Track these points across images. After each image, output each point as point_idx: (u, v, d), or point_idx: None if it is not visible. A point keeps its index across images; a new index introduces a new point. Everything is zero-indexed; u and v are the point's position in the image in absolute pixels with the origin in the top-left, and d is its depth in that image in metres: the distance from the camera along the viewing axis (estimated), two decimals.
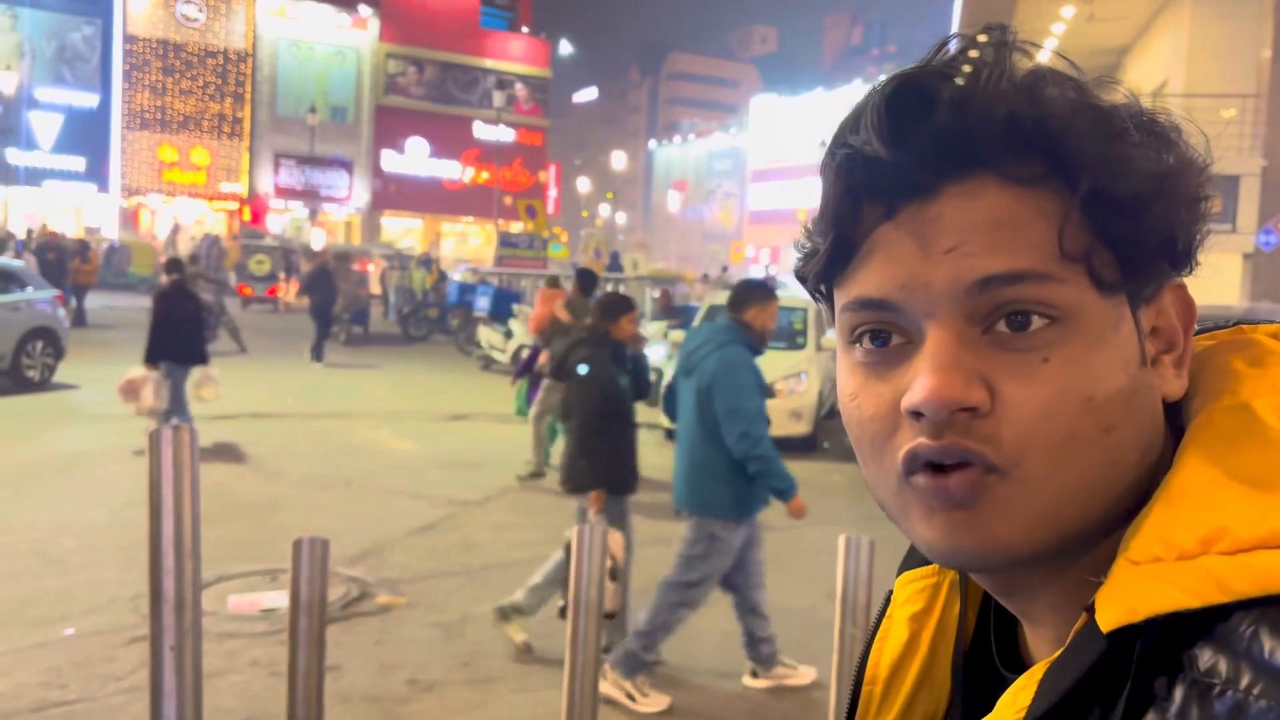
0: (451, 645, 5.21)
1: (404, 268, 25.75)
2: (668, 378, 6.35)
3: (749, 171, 75.18)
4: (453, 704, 4.57)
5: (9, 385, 12.15)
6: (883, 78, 0.58)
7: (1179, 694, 0.48)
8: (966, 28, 0.58)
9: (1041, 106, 0.55)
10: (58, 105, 38.37)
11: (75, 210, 38.98)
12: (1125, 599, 0.51)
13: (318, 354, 16.62)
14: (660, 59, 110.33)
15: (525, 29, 51.08)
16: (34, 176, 37.25)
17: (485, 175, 45.25)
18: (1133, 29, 19.92)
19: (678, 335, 12.63)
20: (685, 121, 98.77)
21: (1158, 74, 17.85)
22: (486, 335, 17.61)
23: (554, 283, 11.25)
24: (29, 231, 27.06)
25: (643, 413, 6.17)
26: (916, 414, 0.55)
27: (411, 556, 6.64)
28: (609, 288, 19.74)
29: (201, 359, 9.29)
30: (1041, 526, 0.56)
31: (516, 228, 31.09)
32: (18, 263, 14.62)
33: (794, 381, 10.81)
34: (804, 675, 4.89)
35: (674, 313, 17.34)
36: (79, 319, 19.09)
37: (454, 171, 47.23)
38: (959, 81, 0.56)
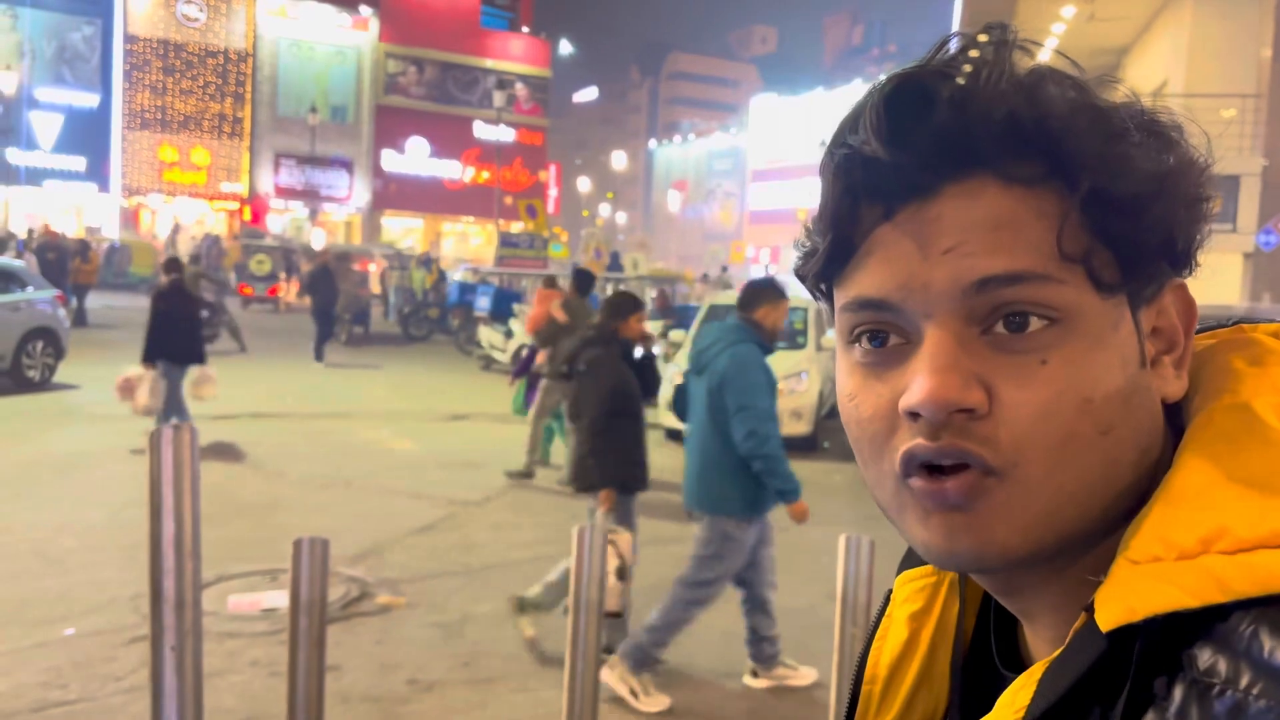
0: (452, 645, 5.21)
1: (404, 267, 25.78)
2: (664, 376, 6.35)
3: (749, 171, 75.16)
4: (453, 704, 4.57)
5: (9, 385, 12.15)
6: (882, 77, 0.58)
7: (1178, 693, 0.48)
8: (967, 27, 0.58)
9: (1041, 106, 0.55)
10: (58, 105, 38.37)
11: (76, 210, 38.98)
12: (1125, 598, 0.51)
13: (319, 354, 16.63)
14: (660, 59, 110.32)
15: (525, 29, 51.08)
16: (34, 176, 37.26)
17: (486, 175, 45.24)
18: (1133, 29, 19.91)
19: (677, 335, 12.63)
20: (685, 121, 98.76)
21: (1158, 74, 17.84)
22: (487, 335, 17.61)
23: (551, 282, 11.24)
24: (29, 231, 27.06)
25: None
26: (914, 415, 0.55)
27: (412, 556, 6.64)
28: (609, 287, 19.80)
29: (199, 359, 9.29)
30: (1040, 527, 0.56)
31: (517, 227, 31.09)
32: (18, 263, 14.62)
33: (794, 381, 10.81)
34: (804, 676, 4.89)
35: (671, 312, 17.37)
36: (79, 319, 19.10)
37: (454, 171, 47.23)
38: (958, 81, 0.55)
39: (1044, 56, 0.58)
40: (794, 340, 11.49)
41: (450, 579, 6.24)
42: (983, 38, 0.57)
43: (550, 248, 26.59)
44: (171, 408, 8.95)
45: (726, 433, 4.52)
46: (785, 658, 4.90)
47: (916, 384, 0.55)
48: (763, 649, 4.85)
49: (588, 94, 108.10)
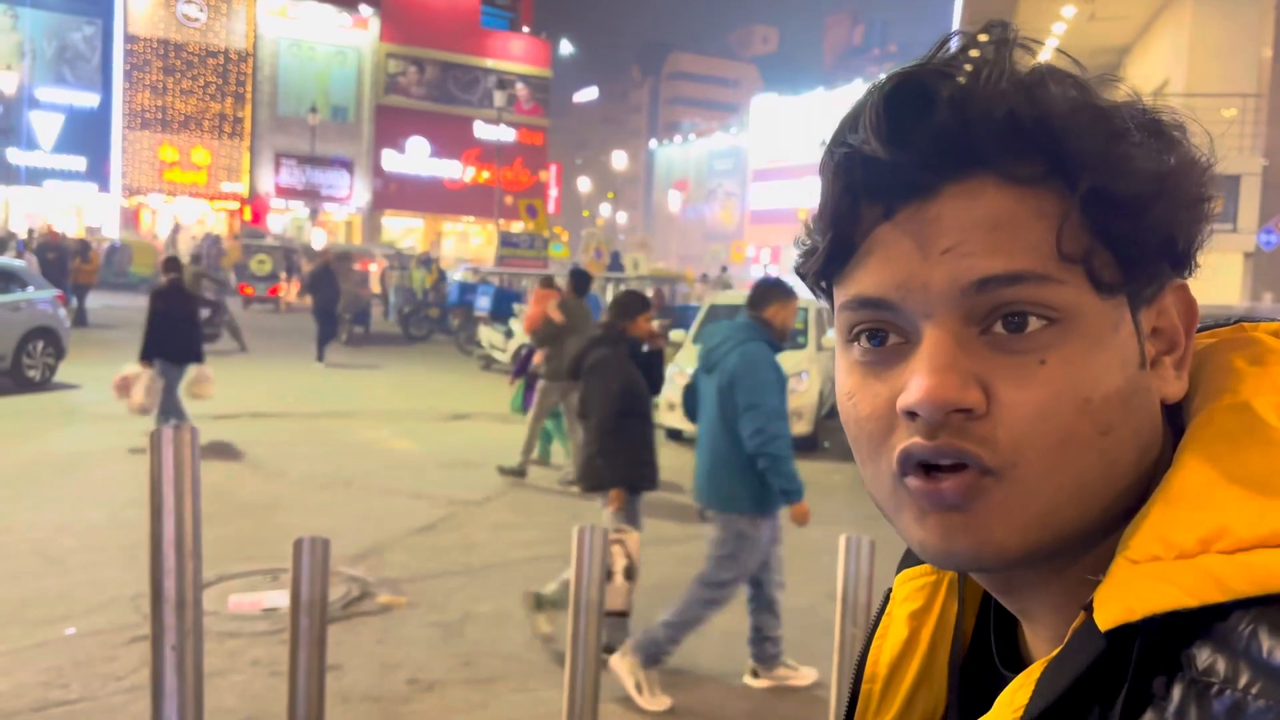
0: (452, 645, 5.21)
1: (404, 267, 25.79)
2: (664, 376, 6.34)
3: (750, 171, 75.14)
4: (453, 704, 4.57)
5: (10, 385, 12.15)
6: (883, 76, 0.58)
7: (1177, 693, 0.48)
8: (967, 27, 0.58)
9: (1041, 106, 0.55)
10: (58, 105, 38.37)
11: (76, 210, 38.99)
12: (1123, 598, 0.51)
13: (321, 353, 16.63)
14: (661, 58, 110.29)
15: (526, 29, 51.07)
16: (35, 176, 37.26)
17: (486, 175, 45.24)
18: (1133, 28, 19.91)
19: (677, 335, 12.63)
20: (686, 121, 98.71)
21: (1158, 73, 17.84)
22: (487, 335, 17.61)
23: (548, 282, 11.21)
24: (30, 231, 27.07)
25: None
26: (912, 414, 0.55)
27: (412, 556, 6.64)
28: (610, 287, 19.79)
29: (197, 358, 9.30)
30: (1038, 527, 0.55)
31: (517, 227, 31.09)
32: (19, 262, 14.62)
33: (794, 381, 10.80)
34: (805, 676, 4.88)
35: (669, 312, 17.40)
36: (80, 319, 19.11)
37: (455, 171, 47.22)
38: (959, 80, 0.55)
39: (1045, 56, 0.58)
40: (794, 340, 11.49)
41: (451, 579, 6.24)
42: (983, 37, 0.57)
43: (551, 248, 26.59)
44: (168, 408, 8.96)
45: (736, 431, 4.52)
46: (786, 658, 4.90)
47: (914, 383, 0.55)
48: (765, 649, 4.85)
49: (588, 94, 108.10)
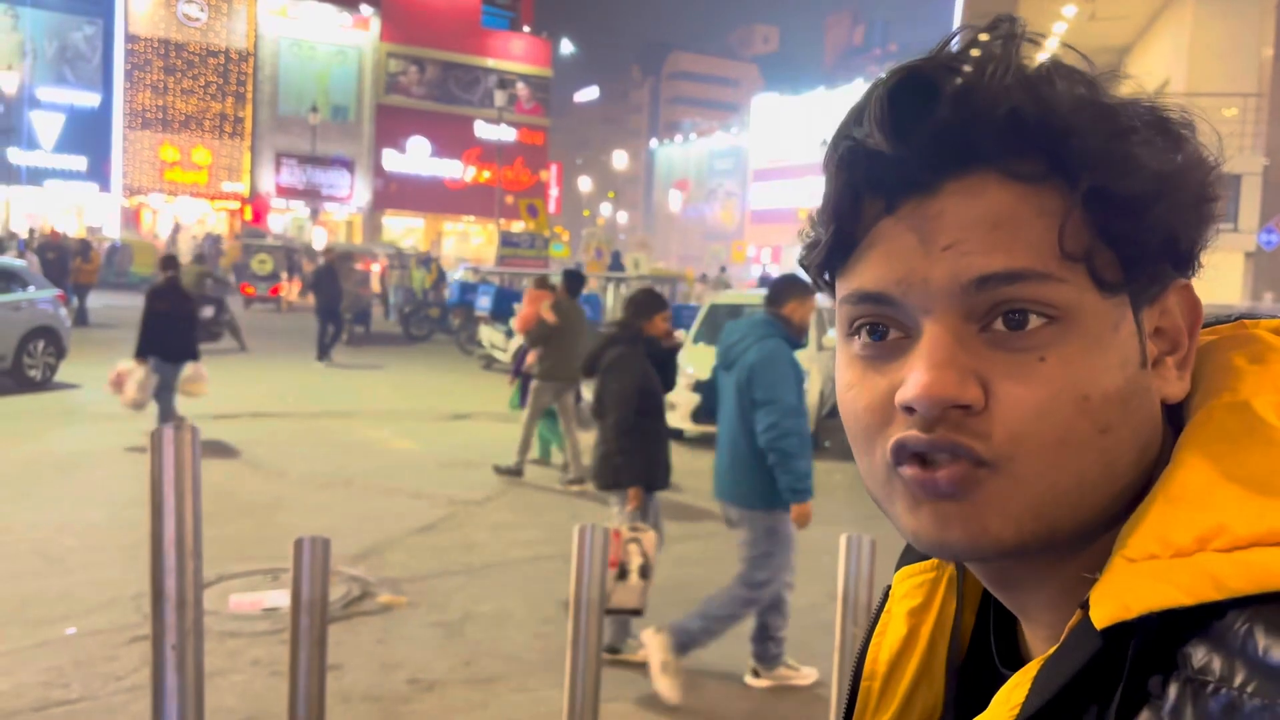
0: (452, 645, 5.21)
1: (404, 267, 25.79)
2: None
3: (750, 171, 75.08)
4: (454, 703, 4.57)
5: (10, 385, 12.15)
6: (889, 68, 0.58)
7: (1173, 691, 0.48)
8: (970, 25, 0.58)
9: (1044, 103, 0.54)
10: (59, 105, 38.39)
11: (77, 210, 39.01)
12: (1120, 596, 0.51)
13: (324, 353, 16.63)
14: (661, 58, 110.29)
15: (526, 28, 51.07)
16: (35, 176, 37.28)
17: (487, 174, 45.24)
18: (1134, 28, 19.91)
19: (677, 335, 12.62)
20: (686, 121, 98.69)
21: (1159, 73, 17.83)
22: (488, 335, 17.61)
23: (542, 283, 11.19)
24: (31, 231, 27.10)
25: None
26: (909, 409, 0.55)
27: (412, 556, 6.64)
28: (610, 287, 19.76)
29: (192, 356, 9.31)
30: (1033, 519, 0.55)
31: (518, 227, 31.10)
32: (19, 262, 14.63)
33: None
34: (806, 677, 4.88)
35: None
36: (80, 318, 19.12)
37: (455, 171, 47.23)
38: (962, 76, 0.55)
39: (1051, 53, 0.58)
40: None
41: (451, 578, 6.24)
42: (984, 37, 0.57)
43: (551, 247, 26.59)
44: (163, 409, 8.97)
45: (754, 427, 4.52)
46: (787, 658, 4.90)
47: (913, 379, 0.55)
48: (768, 648, 4.84)
49: (589, 93, 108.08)
